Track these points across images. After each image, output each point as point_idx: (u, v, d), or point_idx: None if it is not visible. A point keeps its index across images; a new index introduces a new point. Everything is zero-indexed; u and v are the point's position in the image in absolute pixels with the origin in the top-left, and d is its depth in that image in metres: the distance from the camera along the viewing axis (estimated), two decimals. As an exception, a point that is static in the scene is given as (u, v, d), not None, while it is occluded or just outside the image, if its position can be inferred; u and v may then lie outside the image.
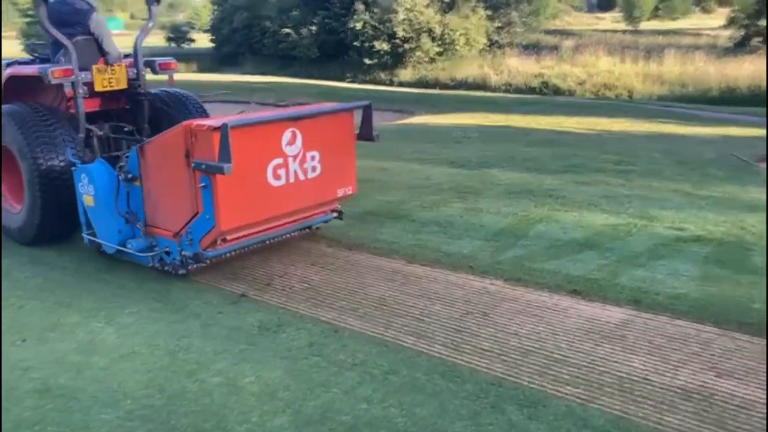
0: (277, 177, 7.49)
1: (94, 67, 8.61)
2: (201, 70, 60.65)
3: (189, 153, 6.91)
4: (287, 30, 53.24)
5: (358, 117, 8.59)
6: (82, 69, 8.27)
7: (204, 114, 9.70)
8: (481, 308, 7.04)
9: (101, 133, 8.54)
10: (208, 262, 7.64)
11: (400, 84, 46.86)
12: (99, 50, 8.99)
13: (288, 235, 8.74)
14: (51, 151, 8.18)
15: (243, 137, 6.82)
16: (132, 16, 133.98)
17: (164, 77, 9.62)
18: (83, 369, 5.91)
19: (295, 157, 7.63)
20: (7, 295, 7.57)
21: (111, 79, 8.73)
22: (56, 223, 8.61)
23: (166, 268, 7.71)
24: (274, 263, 8.50)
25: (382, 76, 49.36)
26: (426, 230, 9.86)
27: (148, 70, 9.35)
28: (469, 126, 22.21)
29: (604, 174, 13.50)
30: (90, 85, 8.46)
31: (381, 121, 30.07)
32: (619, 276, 7.64)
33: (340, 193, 8.50)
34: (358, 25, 49.31)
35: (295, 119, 7.58)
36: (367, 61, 49.86)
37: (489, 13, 50.96)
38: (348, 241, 9.34)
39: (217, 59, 65.68)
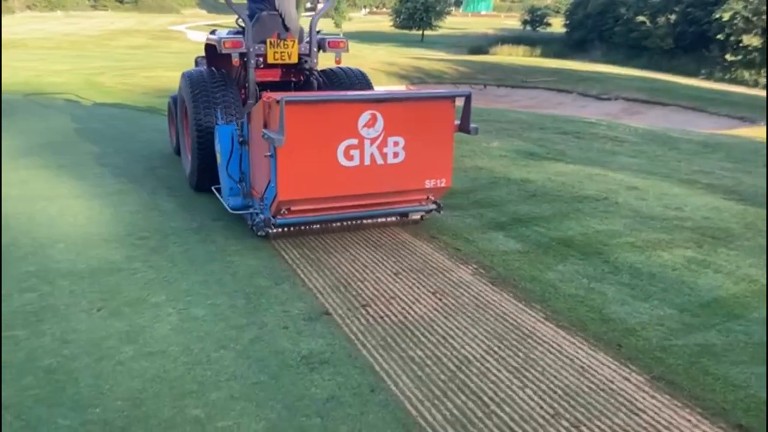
0: (349, 158, 7.48)
1: (267, 40, 9.13)
2: (547, 55, 59.60)
3: (266, 123, 7.25)
4: (642, 18, 48.74)
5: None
6: (261, 42, 9.10)
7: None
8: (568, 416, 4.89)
9: None
10: (275, 229, 7.88)
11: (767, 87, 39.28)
12: (282, 25, 9.53)
13: (371, 220, 8.65)
14: (209, 110, 8.90)
15: (310, 113, 7.07)
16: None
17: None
18: (104, 357, 5.47)
19: (373, 140, 7.50)
20: (125, 257, 7.78)
21: (283, 53, 9.18)
22: (207, 175, 9.33)
23: (253, 228, 8.14)
24: (387, 278, 7.28)
25: (746, 75, 42.12)
26: (610, 279, 7.52)
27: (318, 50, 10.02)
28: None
29: None
30: (264, 57, 9.17)
31: (710, 127, 25.45)
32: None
33: (429, 184, 8.14)
34: (726, 16, 42.67)
35: (376, 101, 7.44)
36: (729, 57, 43.06)
37: None
38: (505, 271, 7.63)
39: (567, 45, 63.86)
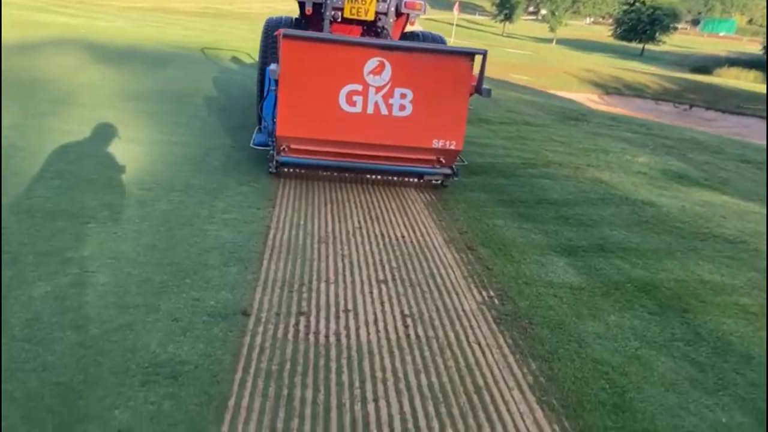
0: (351, 103, 7.35)
1: None
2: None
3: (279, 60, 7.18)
4: None
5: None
6: None
7: None
8: None
9: None
10: (277, 167, 8.10)
11: None
12: None
13: (383, 177, 8.55)
14: (274, 53, 8.73)
15: (311, 51, 7.06)
16: (750, 21, 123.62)
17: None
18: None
19: (379, 89, 7.31)
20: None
21: (360, 8, 8.97)
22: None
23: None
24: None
25: None
26: (675, 349, 5.26)
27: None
28: None
29: None
30: (342, 10, 9.03)
31: None
32: None
33: (437, 144, 7.69)
34: None
35: (385, 49, 7.18)
36: None
37: None
38: (527, 309, 5.72)
39: None
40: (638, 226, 8.25)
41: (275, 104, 7.60)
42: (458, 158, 8.43)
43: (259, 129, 9.65)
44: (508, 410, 4.19)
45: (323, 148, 7.74)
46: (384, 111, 7.34)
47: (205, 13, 43.19)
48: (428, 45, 8.43)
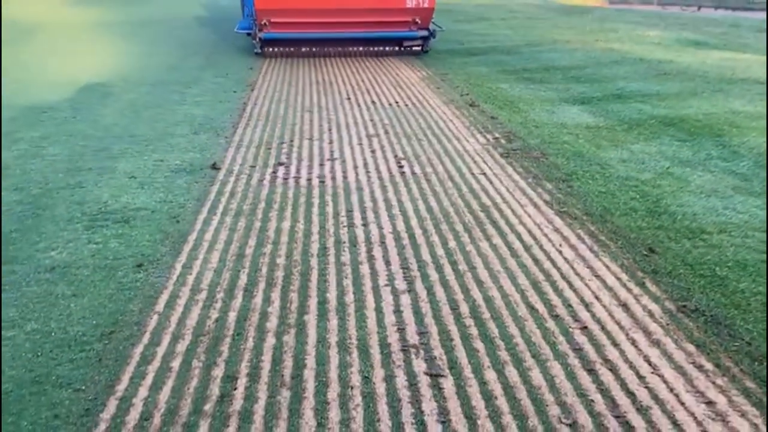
0: None
1: None
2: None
3: None
4: None
5: None
6: None
7: None
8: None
9: None
10: (261, 45, 8.37)
11: None
12: None
13: (361, 47, 8.69)
14: None
15: None
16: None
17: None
18: None
19: None
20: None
21: None
22: None
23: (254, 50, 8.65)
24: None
25: None
26: (712, 165, 4.54)
27: None
28: None
29: None
30: None
31: None
32: None
33: (410, 3, 7.88)
34: None
35: None
36: None
37: None
38: (540, 143, 4.96)
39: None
40: (656, 78, 7.45)
41: None
42: (434, 24, 8.58)
43: (243, 16, 10.00)
44: (522, 222, 3.52)
45: (302, 19, 7.89)
46: None
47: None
48: None
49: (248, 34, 8.93)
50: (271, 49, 8.35)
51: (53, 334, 2.46)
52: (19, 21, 12.07)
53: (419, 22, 8.04)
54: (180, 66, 8.13)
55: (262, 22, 7.82)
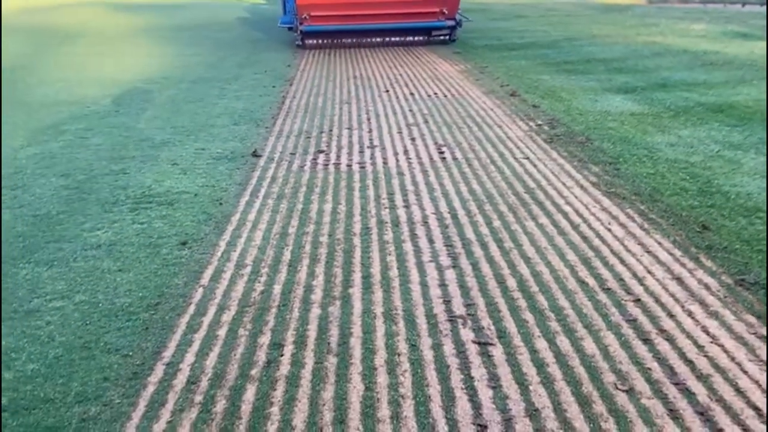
0: None
1: None
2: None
3: None
4: None
5: None
6: None
7: None
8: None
9: None
10: (302, 37, 9.09)
11: None
12: None
13: (394, 38, 9.37)
14: None
15: None
16: None
17: None
18: None
19: None
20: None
21: None
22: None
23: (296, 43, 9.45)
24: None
25: None
26: (764, 148, 4.32)
27: None
28: None
29: None
30: None
31: None
32: None
33: None
34: None
35: None
36: None
37: None
38: (584, 129, 4.85)
39: None
40: (702, 68, 7.27)
41: None
42: (460, 14, 9.31)
43: (284, 13, 10.69)
44: (568, 203, 3.44)
45: (339, 12, 8.64)
46: None
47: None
48: None
49: (289, 29, 9.76)
50: (311, 41, 9.15)
51: (100, 305, 2.48)
52: (64, 26, 12.39)
53: (446, 12, 8.85)
54: (220, 64, 8.22)
55: (303, 16, 8.56)
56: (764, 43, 9.33)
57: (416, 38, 9.32)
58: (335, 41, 9.28)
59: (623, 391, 1.93)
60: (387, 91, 6.44)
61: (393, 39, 9.26)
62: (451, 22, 9.04)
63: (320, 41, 9.25)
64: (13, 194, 3.67)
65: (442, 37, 9.31)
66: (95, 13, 15.34)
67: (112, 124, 5.21)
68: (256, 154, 4.39)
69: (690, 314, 2.35)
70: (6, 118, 5.46)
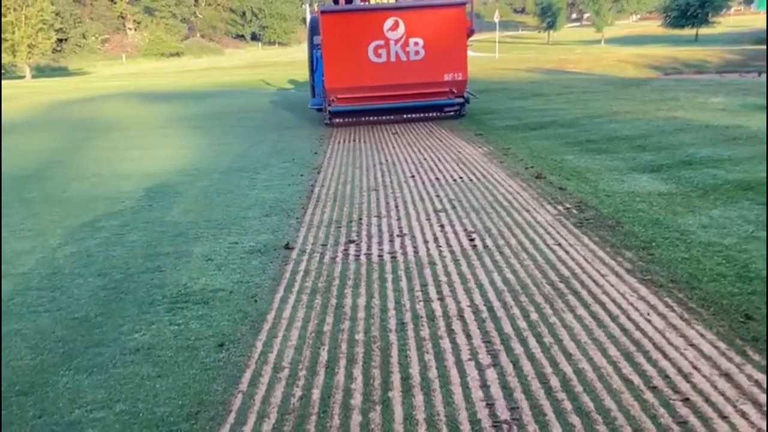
0: (378, 55, 9.55)
1: None
2: None
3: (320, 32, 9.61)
4: None
5: None
6: None
7: None
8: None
9: None
10: (330, 117, 10.07)
11: None
12: None
13: (410, 114, 10.41)
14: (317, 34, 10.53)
15: (344, 21, 9.50)
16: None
17: None
18: None
19: (397, 41, 9.46)
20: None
21: None
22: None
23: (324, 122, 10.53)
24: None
25: None
26: None
27: None
28: None
29: None
30: None
31: None
32: None
33: (447, 77, 9.67)
34: None
35: (397, 9, 9.56)
36: None
37: None
38: (612, 212, 4.85)
39: None
40: (726, 144, 7.29)
41: (322, 69, 9.58)
42: (468, 92, 10.39)
43: (313, 96, 11.73)
44: (605, 292, 3.41)
45: (362, 94, 9.64)
46: (403, 57, 9.56)
47: (255, 65, 44.12)
48: (429, 1, 9.94)
49: (318, 109, 10.82)
50: (337, 120, 10.21)
51: (141, 414, 2.47)
52: (98, 119, 12.89)
53: (455, 91, 9.91)
54: (246, 154, 8.43)
55: (331, 99, 9.55)
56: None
57: (430, 114, 10.48)
58: (358, 119, 10.32)
59: (682, 505, 1.85)
60: (413, 176, 6.54)
61: (410, 116, 10.40)
62: (459, 100, 10.13)
63: (345, 119, 10.24)
64: (52, 296, 3.74)
65: (452, 113, 10.44)
66: (128, 105, 15.96)
67: (147, 219, 5.33)
68: (288, 247, 4.44)
69: (743, 415, 2.27)
70: (44, 215, 5.62)
